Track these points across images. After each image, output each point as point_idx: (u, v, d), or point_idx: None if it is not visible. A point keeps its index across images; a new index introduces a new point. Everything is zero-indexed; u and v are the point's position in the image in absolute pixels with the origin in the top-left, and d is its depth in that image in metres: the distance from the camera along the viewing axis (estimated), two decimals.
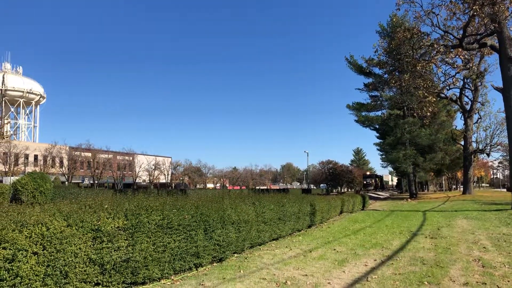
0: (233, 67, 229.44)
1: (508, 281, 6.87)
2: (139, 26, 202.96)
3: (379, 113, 51.30)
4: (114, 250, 6.07)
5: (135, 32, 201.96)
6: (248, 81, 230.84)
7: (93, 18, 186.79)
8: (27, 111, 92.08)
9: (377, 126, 52.41)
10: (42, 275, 5.07)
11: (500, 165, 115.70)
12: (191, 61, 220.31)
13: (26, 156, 63.90)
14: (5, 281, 4.69)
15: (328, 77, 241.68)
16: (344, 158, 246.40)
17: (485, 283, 6.71)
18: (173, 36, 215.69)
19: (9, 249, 4.80)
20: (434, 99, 32.91)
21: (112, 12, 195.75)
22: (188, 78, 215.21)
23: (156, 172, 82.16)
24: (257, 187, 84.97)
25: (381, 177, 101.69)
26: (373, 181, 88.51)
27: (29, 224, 5.19)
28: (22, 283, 4.82)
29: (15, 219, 5.24)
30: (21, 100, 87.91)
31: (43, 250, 5.16)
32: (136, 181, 78.53)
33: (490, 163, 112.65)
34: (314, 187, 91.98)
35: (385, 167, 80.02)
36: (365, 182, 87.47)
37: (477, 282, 6.81)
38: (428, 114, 33.78)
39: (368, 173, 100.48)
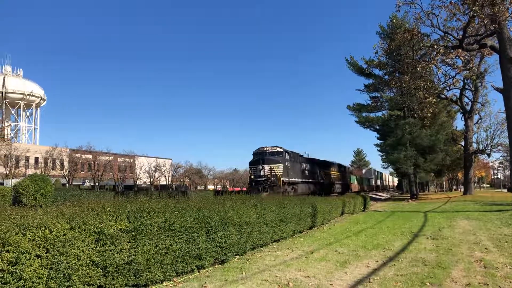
0: (232, 67, 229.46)
1: (510, 281, 6.88)
2: (141, 26, 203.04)
3: (379, 114, 51.36)
4: (117, 253, 6.09)
5: (137, 32, 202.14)
6: (248, 81, 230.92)
7: (94, 19, 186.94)
8: (28, 114, 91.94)
9: (377, 127, 52.39)
10: (45, 278, 5.09)
11: (500, 165, 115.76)
12: (191, 61, 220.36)
13: (27, 159, 63.84)
14: (8, 284, 4.70)
15: (327, 78, 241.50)
16: (345, 159, 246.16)
17: (487, 284, 6.72)
18: (174, 36, 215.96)
19: (13, 252, 4.83)
20: (435, 100, 32.99)
21: (113, 12, 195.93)
22: (189, 78, 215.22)
23: (157, 174, 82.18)
24: None
25: (343, 168, 55.65)
26: (275, 172, 31.19)
27: (32, 227, 5.20)
28: (25, 286, 4.84)
29: (18, 222, 5.24)
30: (22, 103, 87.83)
31: (46, 253, 5.18)
32: (137, 183, 78.58)
33: (491, 164, 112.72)
34: None
35: (386, 167, 77.64)
36: (252, 177, 32.49)
37: (479, 283, 6.82)
38: (429, 115, 33.81)
39: (267, 148, 33.18)
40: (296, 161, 35.60)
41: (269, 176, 30.69)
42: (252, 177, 32.16)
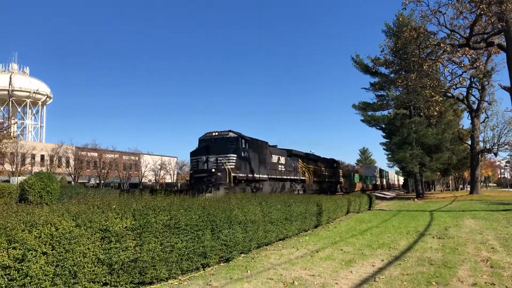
0: (236, 64, 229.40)
1: None
2: (146, 25, 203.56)
3: (385, 112, 51.01)
4: (122, 250, 6.10)
5: (142, 31, 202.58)
6: (251, 78, 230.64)
7: (100, 18, 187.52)
8: (34, 111, 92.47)
9: (383, 126, 52.16)
10: (51, 275, 5.11)
11: (507, 164, 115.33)
12: (196, 59, 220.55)
13: (33, 156, 64.20)
14: (15, 281, 4.73)
15: (327, 77, 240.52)
16: (350, 158, 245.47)
17: (494, 284, 6.67)
18: (179, 34, 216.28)
19: (19, 249, 4.85)
20: (441, 98, 32.76)
21: (118, 11, 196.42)
22: (192, 77, 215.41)
23: (162, 172, 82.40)
24: None
25: (336, 163, 48.06)
26: (223, 166, 22.73)
27: (38, 224, 5.22)
28: (31, 283, 4.86)
29: (25, 219, 5.27)
30: (28, 100, 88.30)
31: (52, 250, 5.20)
32: (142, 181, 78.84)
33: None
34: None
35: (391, 166, 76.88)
36: (192, 172, 24.79)
37: (485, 282, 6.77)
38: (435, 113, 33.62)
39: (215, 133, 25.32)
40: (261, 152, 27.18)
41: (214, 170, 22.59)
42: (192, 172, 24.43)
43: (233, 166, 22.96)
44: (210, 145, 24.03)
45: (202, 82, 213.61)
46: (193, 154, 24.40)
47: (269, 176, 27.67)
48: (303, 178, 34.53)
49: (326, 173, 42.68)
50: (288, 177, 31.27)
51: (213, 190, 21.46)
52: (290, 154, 33.23)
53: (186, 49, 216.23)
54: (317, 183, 38.39)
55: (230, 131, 24.72)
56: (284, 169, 30.70)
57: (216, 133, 24.99)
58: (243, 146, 24.81)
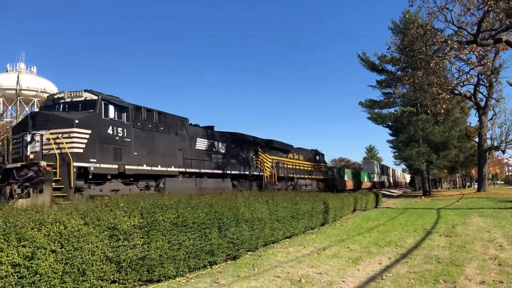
0: (244, 63, 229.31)
1: None
2: (149, 25, 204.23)
3: (392, 110, 50.80)
4: (130, 248, 6.14)
5: (145, 30, 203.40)
6: (256, 78, 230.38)
7: (104, 17, 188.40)
8: None
9: (390, 123, 51.97)
10: (60, 273, 5.15)
11: None
12: (195, 60, 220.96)
13: None
14: (24, 278, 4.77)
15: (338, 74, 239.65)
16: (357, 156, 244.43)
17: (502, 282, 6.65)
18: (185, 33, 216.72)
19: (29, 247, 4.89)
20: (448, 96, 32.55)
21: (123, 10, 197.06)
22: (196, 76, 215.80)
23: None
24: None
25: (320, 156, 38.78)
26: (59, 149, 12.25)
27: (47, 223, 5.27)
28: (41, 280, 4.90)
29: (34, 217, 5.32)
30: (35, 100, 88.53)
31: (61, 248, 5.25)
32: None
33: (505, 160, 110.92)
34: None
35: (398, 164, 76.16)
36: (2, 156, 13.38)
37: (493, 280, 6.74)
38: (442, 111, 33.35)
39: (61, 95, 14.54)
40: (164, 131, 17.34)
41: (33, 157, 12.77)
42: (1, 161, 13.95)
43: (81, 150, 13.17)
44: (40, 114, 13.99)
45: (203, 81, 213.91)
46: (14, 131, 15.35)
47: (187, 170, 18.61)
48: (260, 174, 25.47)
49: (303, 168, 33.30)
50: (231, 172, 22.33)
51: (33, 192, 11.96)
52: (238, 139, 24.18)
53: (187, 47, 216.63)
54: (286, 181, 29.41)
55: (87, 90, 14.68)
56: (223, 160, 21.90)
57: (62, 95, 14.93)
58: (110, 116, 14.62)
